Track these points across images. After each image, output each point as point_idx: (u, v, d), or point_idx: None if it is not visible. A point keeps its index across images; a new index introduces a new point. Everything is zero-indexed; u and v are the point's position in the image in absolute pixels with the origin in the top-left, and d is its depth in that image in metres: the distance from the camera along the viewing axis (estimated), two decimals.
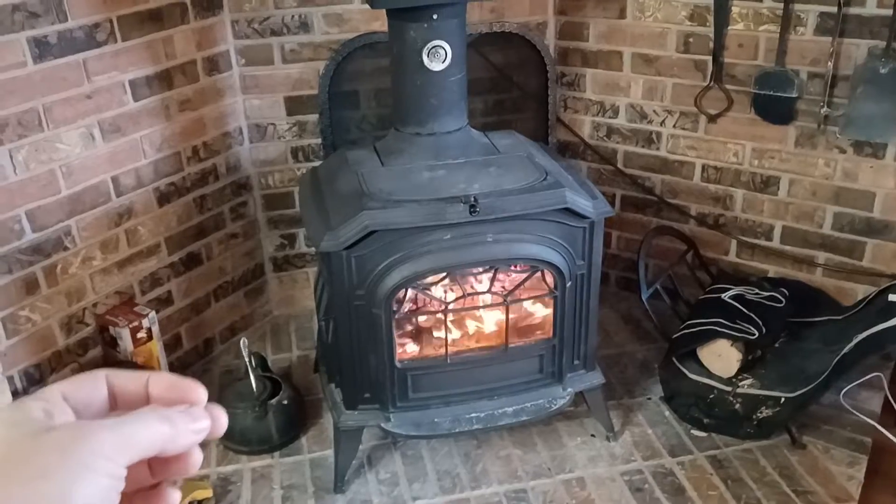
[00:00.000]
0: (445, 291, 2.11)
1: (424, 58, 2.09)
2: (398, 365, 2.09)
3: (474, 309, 2.16)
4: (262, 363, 2.50)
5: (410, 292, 2.07)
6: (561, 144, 2.96)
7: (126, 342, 2.33)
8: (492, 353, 2.17)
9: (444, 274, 2.04)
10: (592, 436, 2.38)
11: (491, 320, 2.20)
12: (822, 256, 2.62)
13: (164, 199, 2.47)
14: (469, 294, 2.08)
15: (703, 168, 2.73)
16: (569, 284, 2.10)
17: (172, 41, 2.37)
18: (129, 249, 2.41)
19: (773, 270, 2.73)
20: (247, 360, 2.34)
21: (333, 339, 2.10)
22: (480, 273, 2.07)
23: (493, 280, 2.06)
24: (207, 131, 2.56)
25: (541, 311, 2.20)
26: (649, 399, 2.53)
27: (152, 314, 2.39)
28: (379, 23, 2.60)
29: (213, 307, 2.76)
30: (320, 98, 2.66)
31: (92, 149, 2.23)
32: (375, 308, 2.01)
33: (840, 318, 2.45)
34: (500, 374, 2.19)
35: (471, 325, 2.20)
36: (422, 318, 2.21)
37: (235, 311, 2.85)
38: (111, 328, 2.33)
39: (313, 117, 2.71)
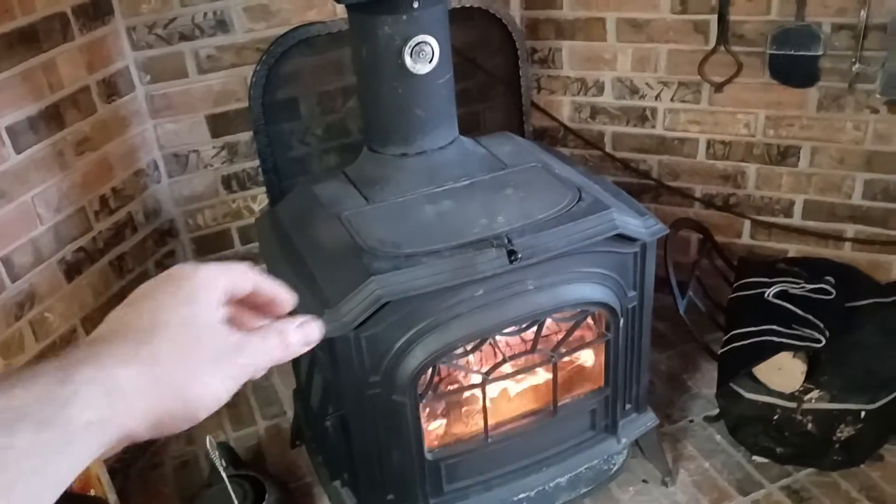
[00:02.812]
0: (481, 360, 1.67)
1: (406, 59, 1.61)
2: (429, 456, 1.65)
3: (517, 374, 1.72)
4: (230, 457, 1.99)
5: (440, 369, 1.61)
6: (537, 131, 2.53)
7: None
8: (538, 418, 1.75)
9: (478, 340, 1.59)
10: (645, 482, 2.02)
11: (536, 379, 1.78)
12: (851, 230, 2.32)
13: (73, 270, 1.90)
14: (510, 357, 1.64)
15: (709, 144, 2.37)
16: (621, 323, 1.70)
17: (55, 66, 1.77)
18: (39, 344, 1.84)
19: (794, 250, 2.42)
20: (219, 465, 1.82)
21: (343, 435, 1.63)
22: (519, 329, 1.63)
23: (537, 336, 1.62)
24: (115, 174, 1.99)
25: (589, 359, 1.80)
26: (692, 422, 2.19)
27: None
28: (315, 11, 2.09)
29: None
30: (253, 112, 2.11)
31: None
32: (397, 395, 1.55)
33: (889, 300, 2.17)
34: (548, 441, 1.78)
35: (511, 391, 1.77)
36: (455, 396, 1.76)
37: None
38: None
39: (246, 136, 2.17)
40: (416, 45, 1.61)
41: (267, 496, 1.88)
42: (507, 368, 1.65)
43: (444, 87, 1.71)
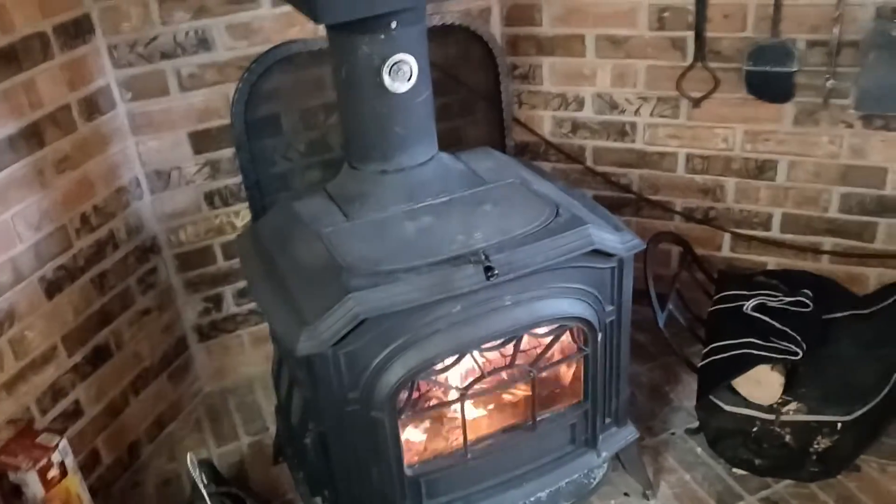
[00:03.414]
0: (460, 375, 1.67)
1: (385, 77, 1.63)
2: (408, 472, 1.65)
3: (496, 389, 1.73)
4: (213, 475, 1.99)
5: (418, 385, 1.62)
6: (518, 146, 2.55)
7: (34, 488, 1.77)
8: (517, 432, 1.76)
9: (456, 356, 1.60)
10: (626, 494, 2.02)
11: (515, 394, 1.79)
12: (828, 242, 2.35)
13: (53, 288, 1.90)
14: (489, 373, 1.65)
15: (688, 158, 2.40)
16: (599, 337, 1.72)
17: (35, 85, 1.78)
18: (17, 363, 1.83)
19: (772, 262, 2.44)
20: (200, 482, 1.82)
21: (322, 452, 1.63)
22: (498, 344, 1.64)
23: (515, 351, 1.64)
24: (97, 191, 1.99)
25: (568, 373, 1.81)
26: (673, 434, 2.20)
27: (63, 442, 1.83)
28: (296, 29, 2.10)
29: (133, 404, 2.20)
30: (235, 128, 2.12)
31: None
32: (375, 411, 1.55)
33: (867, 311, 2.19)
34: (528, 455, 1.79)
35: (491, 406, 1.78)
36: (433, 411, 1.77)
37: (160, 400, 2.31)
38: (10, 474, 1.76)
39: (228, 153, 2.18)
40: (394, 65, 1.62)
41: None
42: (485, 384, 1.66)
43: (423, 105, 1.72)
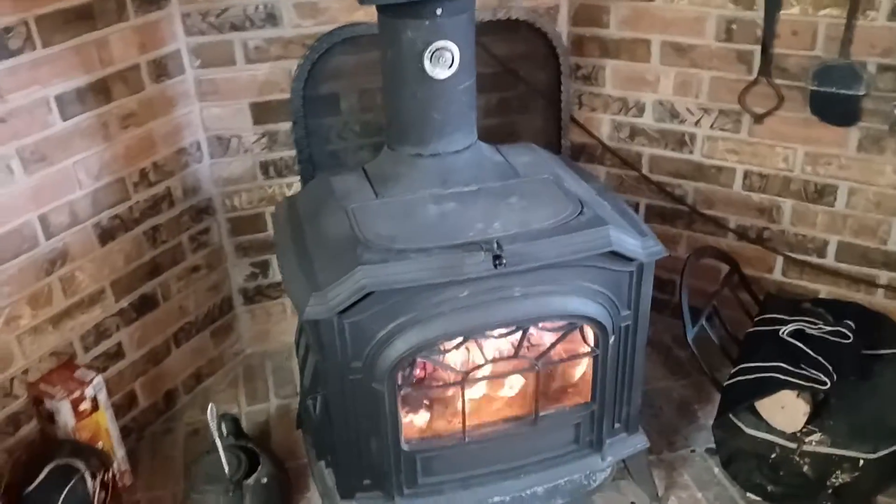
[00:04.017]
0: (464, 355, 1.70)
1: (426, 63, 1.67)
2: (405, 447, 1.69)
3: (499, 377, 1.75)
4: (234, 428, 2.08)
5: (419, 361, 1.66)
6: (575, 147, 2.55)
7: (66, 416, 1.90)
8: (518, 424, 1.77)
9: (461, 339, 1.63)
10: (633, 503, 2.01)
11: (518, 386, 1.80)
12: (884, 276, 2.25)
13: (107, 235, 2.03)
14: (492, 360, 1.67)
15: (746, 175, 2.34)
16: (611, 340, 1.71)
17: (108, 44, 1.90)
18: (66, 300, 1.97)
19: (824, 291, 2.36)
20: (215, 432, 1.91)
21: (325, 417, 1.69)
22: (505, 333, 1.66)
23: (521, 342, 1.65)
24: (158, 149, 2.11)
25: (577, 371, 1.81)
26: (693, 452, 2.16)
27: (98, 379, 1.96)
28: (362, 13, 2.15)
29: (174, 354, 2.33)
30: (293, 103, 2.22)
31: (10, 185, 1.77)
32: (376, 383, 1.60)
33: None
34: (529, 448, 1.80)
35: (494, 395, 1.80)
36: (437, 393, 1.80)
37: (201, 355, 2.43)
38: (46, 401, 1.90)
39: (286, 126, 2.27)
40: (435, 51, 1.66)
41: (259, 468, 1.96)
42: (488, 372, 1.68)
43: (465, 93, 1.75)
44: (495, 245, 1.53)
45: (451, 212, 1.67)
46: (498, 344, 1.71)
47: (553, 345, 1.68)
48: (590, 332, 1.71)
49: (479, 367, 1.66)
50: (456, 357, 1.68)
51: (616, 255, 1.63)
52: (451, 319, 1.57)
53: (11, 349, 1.87)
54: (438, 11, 1.63)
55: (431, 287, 1.54)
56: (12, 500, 1.79)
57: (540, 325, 1.69)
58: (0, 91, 1.71)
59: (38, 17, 1.74)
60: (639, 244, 1.65)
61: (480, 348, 1.70)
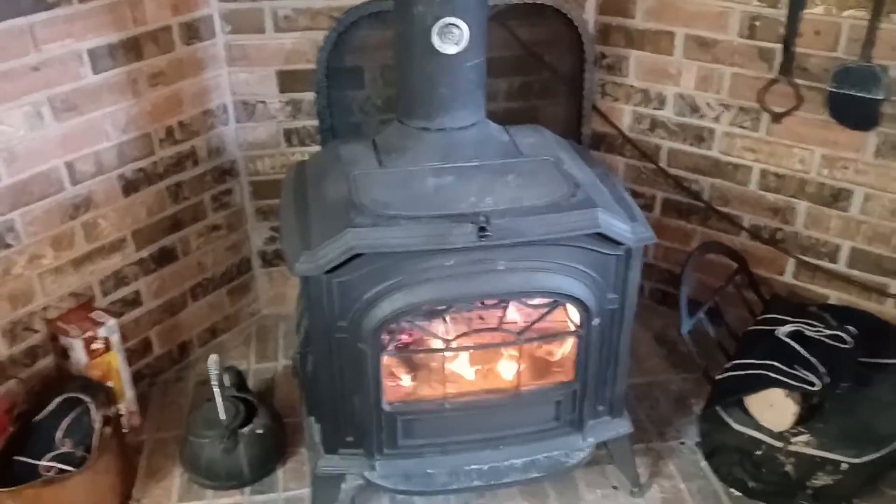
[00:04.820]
0: (445, 324, 1.75)
1: (435, 38, 1.71)
2: (386, 408, 1.75)
3: (481, 348, 1.80)
4: (238, 380, 2.17)
5: (403, 325, 1.72)
6: (595, 136, 2.57)
7: (79, 354, 2.02)
8: (499, 397, 1.82)
9: (445, 307, 1.68)
10: (615, 488, 2.03)
11: (500, 359, 1.85)
12: (895, 286, 2.22)
13: (130, 187, 2.13)
14: (474, 330, 1.72)
15: (762, 174, 2.33)
16: (596, 321, 1.74)
17: (142, 4, 2.00)
18: (88, 245, 2.08)
19: (835, 297, 2.34)
20: (214, 381, 2.01)
21: (312, 373, 1.77)
22: (490, 306, 1.71)
23: (503, 316, 1.70)
24: (185, 109, 2.21)
25: (561, 351, 1.85)
26: (683, 444, 2.18)
27: (111, 322, 2.07)
28: None
29: (190, 307, 2.43)
30: (318, 74, 2.29)
31: (40, 130, 1.89)
32: (361, 343, 1.67)
33: None
34: (509, 421, 1.84)
35: (476, 365, 1.85)
36: (416, 356, 1.86)
37: (217, 310, 2.53)
38: (62, 338, 2.02)
39: (310, 96, 2.34)
40: (444, 26, 1.71)
41: (255, 419, 2.05)
42: (471, 342, 1.73)
43: (473, 70, 1.79)
44: (483, 218, 1.57)
45: (447, 185, 1.72)
46: (483, 315, 1.76)
47: (537, 320, 1.72)
48: (575, 313, 1.74)
49: (463, 335, 1.70)
50: (440, 326, 1.73)
51: (604, 238, 1.66)
52: (436, 286, 1.62)
53: (33, 286, 1.98)
54: None
55: (418, 254, 1.59)
56: (24, 425, 1.91)
57: (526, 301, 1.72)
58: (36, 41, 1.81)
59: None
60: (628, 229, 1.67)
61: (465, 319, 1.74)
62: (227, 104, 2.31)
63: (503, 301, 1.70)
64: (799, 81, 2.15)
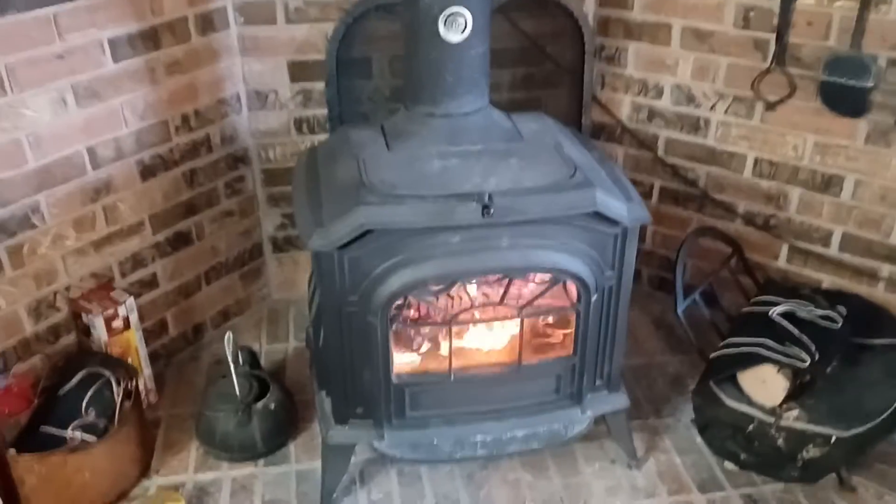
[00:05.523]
0: (451, 300, 1.84)
1: (440, 26, 1.80)
2: (395, 380, 1.84)
3: (484, 321, 1.88)
4: (251, 359, 2.26)
5: (411, 300, 1.80)
6: (595, 126, 2.65)
7: (100, 331, 2.10)
8: (502, 370, 1.90)
9: (451, 282, 1.77)
10: (613, 461, 2.12)
11: (503, 334, 1.93)
12: (886, 269, 2.30)
13: (148, 172, 2.22)
14: (478, 305, 1.81)
15: (756, 161, 2.41)
16: (594, 298, 1.83)
17: None
18: (108, 228, 2.17)
19: (827, 281, 2.42)
20: (229, 357, 2.10)
21: (323, 347, 1.85)
22: (493, 281, 1.80)
23: (506, 290, 1.78)
24: (200, 97, 2.29)
25: (564, 327, 1.93)
26: (679, 421, 2.26)
27: (130, 300, 2.16)
28: None
29: (204, 290, 2.52)
30: (328, 64, 2.37)
31: (64, 116, 1.97)
32: (370, 316, 1.75)
33: None
34: (511, 394, 1.93)
35: (480, 338, 1.93)
36: (423, 330, 1.94)
37: (229, 294, 2.62)
38: (84, 315, 2.10)
39: (320, 85, 2.43)
40: (449, 15, 1.79)
41: (268, 395, 2.13)
42: (474, 316, 1.82)
43: (478, 57, 1.88)
44: (486, 197, 1.65)
45: (452, 167, 1.80)
46: (487, 290, 1.84)
47: (538, 296, 1.80)
48: (573, 289, 1.82)
49: (466, 309, 1.79)
50: (446, 302, 1.81)
51: (601, 217, 1.74)
52: (442, 262, 1.70)
53: (56, 266, 2.07)
54: None
55: (425, 231, 1.68)
56: (49, 398, 1.99)
57: (528, 278, 1.81)
58: (60, 30, 1.90)
59: None
60: (625, 209, 1.75)
61: (468, 294, 1.83)
62: (240, 93, 2.40)
63: (506, 277, 1.78)
64: (792, 70, 2.23)
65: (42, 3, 1.85)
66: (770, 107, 2.31)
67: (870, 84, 2.11)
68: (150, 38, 2.10)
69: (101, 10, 1.97)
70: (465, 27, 1.81)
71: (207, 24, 2.24)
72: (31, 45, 1.86)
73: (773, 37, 2.23)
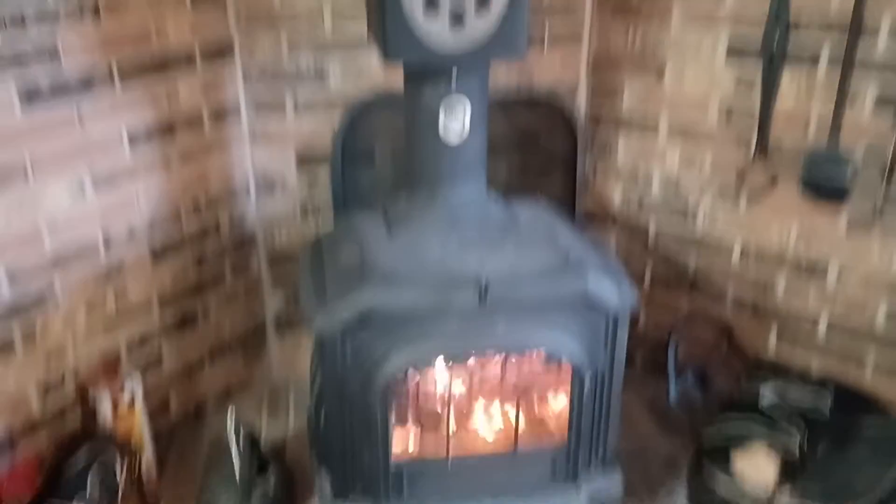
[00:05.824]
0: (450, 381, 1.90)
1: (441, 118, 1.92)
2: (394, 463, 1.88)
3: (482, 402, 1.94)
4: (250, 436, 2.29)
5: (411, 383, 1.87)
6: (588, 214, 2.76)
7: (105, 409, 2.15)
8: (499, 455, 1.95)
9: (449, 364, 1.84)
10: None
11: (500, 414, 1.99)
12: (872, 355, 2.37)
13: (158, 255, 2.31)
14: (476, 389, 1.87)
15: (743, 249, 2.51)
16: (588, 379, 1.89)
17: (177, 90, 2.22)
18: (117, 308, 2.24)
19: (816, 364, 2.47)
20: (231, 432, 2.14)
21: (324, 426, 1.90)
22: (491, 362, 1.86)
23: (503, 371, 1.85)
24: (211, 184, 2.41)
25: (555, 407, 1.99)
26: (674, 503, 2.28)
27: (136, 381, 2.21)
28: (399, 76, 2.43)
29: (208, 370, 2.58)
30: (333, 154, 2.49)
31: (81, 203, 2.08)
32: (370, 399, 1.81)
33: (890, 423, 2.20)
34: (508, 478, 1.97)
35: (478, 421, 1.99)
36: (422, 412, 2.00)
37: (232, 374, 2.67)
38: (90, 394, 2.16)
39: (326, 172, 2.54)
40: (449, 107, 1.91)
41: (268, 472, 2.17)
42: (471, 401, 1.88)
43: (476, 148, 1.99)
44: (483, 283, 1.74)
45: (451, 252, 1.90)
46: (487, 376, 1.91)
47: (536, 383, 1.86)
48: (568, 371, 1.88)
49: (466, 392, 1.85)
50: (443, 386, 1.88)
51: (593, 301, 1.82)
52: (442, 344, 1.78)
53: (66, 345, 2.14)
54: (453, 77, 1.89)
55: (425, 314, 1.76)
56: (52, 479, 2.03)
57: (523, 358, 1.88)
58: (82, 121, 2.02)
59: (119, 61, 2.06)
60: (615, 293, 1.84)
61: (468, 376, 1.89)
62: (248, 179, 2.51)
63: (502, 356, 1.85)
64: (774, 163, 2.35)
65: (66, 95, 1.97)
66: (754, 198, 2.42)
67: (847, 178, 2.22)
68: (166, 131, 2.22)
69: (121, 103, 2.09)
70: (464, 119, 1.92)
71: (221, 115, 2.37)
72: (54, 136, 1.98)
73: (754, 133, 2.36)
